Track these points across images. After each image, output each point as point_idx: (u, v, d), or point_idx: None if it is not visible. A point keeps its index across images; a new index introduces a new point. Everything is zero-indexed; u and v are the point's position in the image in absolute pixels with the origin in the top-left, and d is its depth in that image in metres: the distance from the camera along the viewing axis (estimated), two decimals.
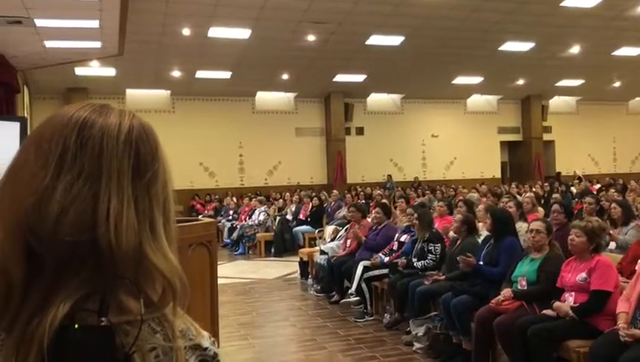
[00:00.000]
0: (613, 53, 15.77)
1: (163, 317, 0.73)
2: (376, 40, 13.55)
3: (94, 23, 9.49)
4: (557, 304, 4.04)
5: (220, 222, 13.35)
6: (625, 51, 15.63)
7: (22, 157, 0.73)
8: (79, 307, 0.67)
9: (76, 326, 0.65)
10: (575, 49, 15.29)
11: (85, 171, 0.70)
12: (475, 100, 20.83)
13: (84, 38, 10.50)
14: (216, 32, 12.30)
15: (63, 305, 0.66)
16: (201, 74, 15.48)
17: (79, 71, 14.25)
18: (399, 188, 15.60)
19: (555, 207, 5.99)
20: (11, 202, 0.69)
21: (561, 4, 12.00)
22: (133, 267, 0.70)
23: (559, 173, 20.80)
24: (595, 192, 9.87)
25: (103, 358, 0.65)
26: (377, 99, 19.79)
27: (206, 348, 0.77)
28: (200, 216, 11.90)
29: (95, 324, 0.66)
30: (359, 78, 17.03)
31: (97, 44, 10.95)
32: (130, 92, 17.05)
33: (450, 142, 20.36)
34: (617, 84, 19.57)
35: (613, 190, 9.20)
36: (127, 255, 0.69)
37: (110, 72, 14.54)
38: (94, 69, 14.18)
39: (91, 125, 0.73)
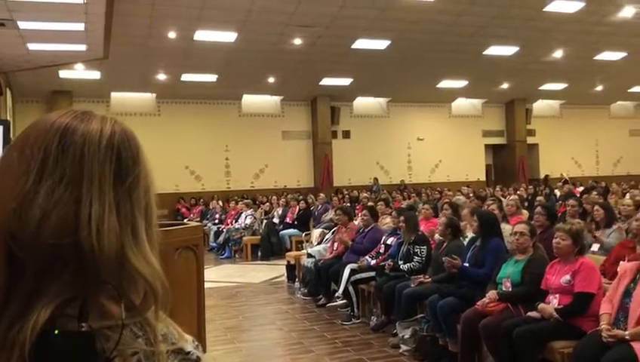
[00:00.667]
0: (595, 58, 15.98)
1: (145, 322, 0.73)
2: (362, 44, 13.61)
3: (79, 26, 9.44)
4: (541, 306, 4.09)
5: (206, 225, 13.30)
6: (606, 56, 15.85)
7: (5, 162, 0.73)
8: (60, 312, 0.66)
9: (56, 331, 0.65)
10: (558, 53, 15.47)
11: (67, 176, 0.70)
12: (460, 104, 20.99)
13: (68, 40, 10.44)
14: (202, 35, 12.27)
15: (45, 310, 0.66)
16: (186, 77, 15.42)
17: (64, 74, 14.13)
18: (385, 191, 15.66)
19: (538, 209, 6.06)
20: None
21: (544, 9, 12.14)
22: (115, 271, 0.70)
23: (547, 175, 20.98)
24: (578, 195, 9.99)
25: (85, 360, 0.65)
26: (363, 103, 19.86)
27: (188, 352, 0.77)
28: (186, 220, 11.86)
29: (75, 330, 0.66)
30: (345, 81, 17.08)
31: (82, 47, 10.88)
32: (115, 95, 16.94)
33: (435, 146, 20.49)
34: (599, 88, 19.83)
35: (595, 193, 9.32)
36: (109, 259, 0.69)
37: (95, 75, 14.44)
38: (79, 72, 14.07)
39: (73, 131, 0.73)
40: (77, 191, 0.70)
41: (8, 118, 12.67)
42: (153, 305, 0.73)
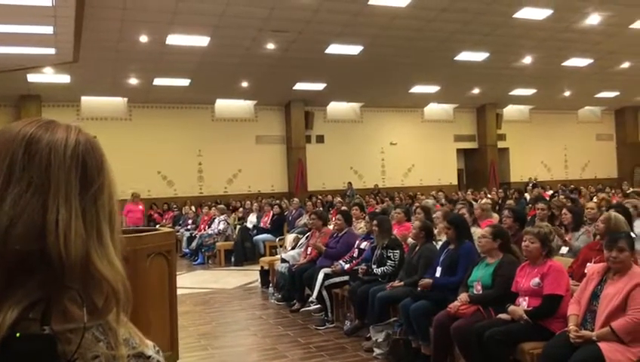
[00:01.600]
0: (563, 64, 16.34)
1: (107, 326, 0.74)
2: (335, 49, 13.68)
3: (48, 29, 9.29)
4: (511, 308, 4.15)
5: (178, 231, 13.18)
6: (574, 62, 16.21)
7: None
8: (23, 316, 0.67)
9: (17, 334, 0.66)
10: (527, 59, 15.77)
11: (34, 184, 0.72)
12: (432, 109, 21.22)
13: (37, 44, 10.27)
14: (174, 39, 12.18)
15: (10, 313, 0.67)
16: (159, 81, 15.28)
17: (32, 78, 13.87)
18: (359, 196, 15.73)
19: (505, 212, 6.17)
20: None
21: (513, 16, 12.37)
22: (79, 275, 0.71)
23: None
24: (547, 198, 10.17)
25: None
26: (337, 108, 19.94)
27: (149, 357, 0.78)
28: (158, 226, 11.73)
29: (37, 333, 0.67)
30: (319, 86, 17.14)
31: (51, 51, 10.71)
32: (86, 99, 16.68)
33: (408, 150, 20.67)
34: (567, 93, 20.27)
35: (563, 196, 9.51)
36: (75, 263, 0.71)
37: (65, 78, 14.20)
38: (48, 76, 13.83)
39: (38, 140, 0.75)
40: (43, 198, 0.72)
41: None
42: (115, 307, 0.75)
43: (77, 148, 0.77)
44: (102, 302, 0.74)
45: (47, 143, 0.75)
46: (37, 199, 0.71)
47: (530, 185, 17.83)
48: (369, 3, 11.09)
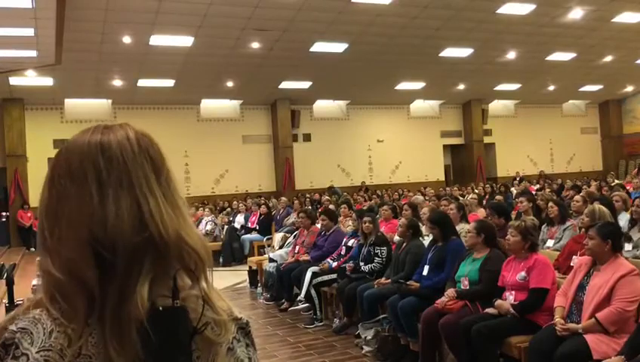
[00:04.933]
0: (547, 58, 16.46)
1: (206, 296, 0.87)
2: (320, 47, 13.67)
3: (29, 32, 9.19)
4: (498, 302, 4.17)
5: None
6: (557, 56, 16.34)
7: (58, 192, 0.84)
8: (157, 293, 0.81)
9: (160, 308, 0.80)
10: (511, 54, 15.87)
11: (121, 183, 0.83)
12: (418, 105, 21.28)
13: (18, 46, 10.16)
14: (157, 39, 12.10)
15: (142, 293, 0.79)
16: (143, 82, 15.16)
17: (14, 81, 13.71)
18: (345, 194, 15.72)
19: (488, 210, 6.20)
20: (73, 229, 0.81)
21: (496, 11, 12.44)
22: (178, 251, 0.83)
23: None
24: (534, 192, 10.23)
25: (185, 332, 0.81)
26: (323, 106, 19.93)
27: (240, 318, 0.93)
28: None
29: (172, 306, 0.81)
30: (305, 84, 17.11)
31: (33, 53, 10.60)
32: (70, 102, 16.51)
33: (395, 147, 20.70)
34: (552, 87, 20.42)
35: (549, 190, 9.56)
36: (173, 243, 0.83)
37: (47, 81, 14.04)
38: (30, 79, 13.67)
39: (109, 145, 0.85)
40: (133, 193, 0.83)
41: None
42: (203, 270, 0.87)
43: (140, 144, 0.87)
44: (194, 269, 0.86)
45: (117, 145, 0.85)
46: (128, 196, 0.82)
47: (517, 179, 17.94)
48: (352, 1, 11.10)
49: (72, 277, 0.80)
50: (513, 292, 4.19)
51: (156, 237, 0.81)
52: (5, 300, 3.62)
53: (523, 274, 4.17)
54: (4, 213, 15.41)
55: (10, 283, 3.67)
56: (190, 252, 0.85)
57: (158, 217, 0.83)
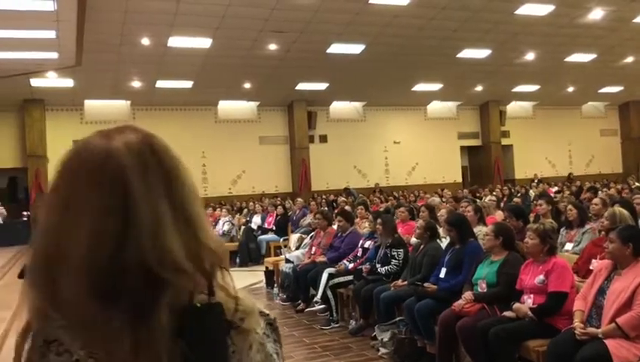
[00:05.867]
0: (566, 60, 16.29)
1: (235, 294, 0.88)
2: (337, 48, 13.67)
3: (51, 34, 9.33)
4: (516, 305, 4.14)
5: None
6: (577, 57, 16.16)
7: (64, 199, 0.81)
8: (195, 290, 0.82)
9: (198, 304, 0.81)
10: (530, 55, 15.73)
11: (121, 196, 0.79)
12: (435, 106, 21.19)
13: (40, 48, 10.31)
14: (176, 41, 12.21)
15: (180, 292, 0.80)
16: (161, 83, 15.31)
17: (35, 82, 13.92)
18: (361, 195, 15.70)
19: (506, 212, 6.15)
20: (68, 259, 0.78)
21: (515, 12, 12.35)
22: (196, 253, 0.83)
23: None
24: (552, 195, 10.15)
25: (222, 327, 0.83)
26: (340, 107, 19.94)
27: (267, 314, 0.93)
28: None
29: (209, 301, 0.82)
30: (321, 86, 17.13)
31: (54, 55, 10.75)
32: (89, 103, 16.73)
33: (411, 148, 20.64)
34: (571, 89, 20.20)
35: (568, 193, 9.46)
36: (192, 246, 0.83)
37: (68, 82, 14.24)
38: (51, 80, 13.87)
39: (112, 152, 0.82)
40: (151, 203, 0.81)
41: None
42: (219, 268, 0.87)
43: (154, 150, 0.85)
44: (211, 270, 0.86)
45: (129, 152, 0.82)
46: (146, 206, 0.80)
47: (535, 181, 17.78)
48: (370, 2, 11.10)
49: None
50: (531, 295, 4.16)
51: (158, 253, 0.79)
52: None
53: (541, 277, 4.13)
54: (25, 213, 15.64)
55: None
56: (209, 252, 0.86)
57: (174, 225, 0.82)
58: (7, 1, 7.90)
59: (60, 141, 16.23)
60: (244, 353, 0.86)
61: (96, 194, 0.79)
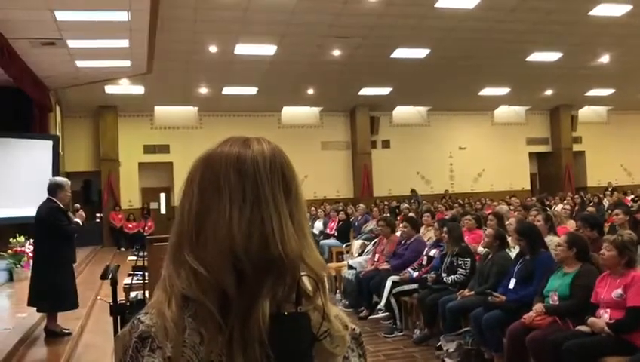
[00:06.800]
0: None
1: (325, 310, 0.89)
2: (401, 53, 13.56)
3: (124, 43, 9.70)
4: (592, 320, 3.95)
5: None
6: None
7: (199, 202, 0.89)
8: (283, 299, 0.85)
9: (285, 313, 0.84)
10: (604, 58, 15.06)
11: (250, 201, 0.86)
12: (503, 111, 20.64)
13: (114, 57, 10.74)
14: (242, 48, 12.46)
15: (267, 300, 0.84)
16: (227, 90, 15.67)
17: (109, 89, 14.56)
18: (425, 202, 15.46)
19: (579, 222, 5.89)
20: (217, 240, 0.86)
21: (588, 13, 11.86)
22: (297, 269, 0.87)
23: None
24: (628, 204, 9.64)
25: (307, 336, 0.84)
26: (403, 112, 19.75)
27: (354, 328, 0.96)
28: None
29: (296, 311, 0.85)
30: (385, 91, 17.03)
31: (127, 63, 11.18)
32: (159, 109, 17.34)
33: (477, 154, 20.17)
34: None
35: None
36: (293, 262, 0.86)
37: (139, 89, 14.82)
38: (124, 87, 14.47)
39: (243, 159, 0.89)
40: (261, 211, 0.86)
41: (57, 133, 13.12)
42: (321, 291, 0.90)
43: (275, 161, 0.90)
44: (313, 288, 0.89)
45: (251, 161, 0.88)
46: (258, 214, 0.86)
47: (609, 189, 16.98)
48: (436, 6, 10.94)
49: (211, 282, 0.85)
50: (608, 309, 3.96)
51: (275, 254, 0.85)
52: (110, 300, 3.82)
53: (619, 291, 3.93)
54: (98, 215, 16.32)
55: (114, 284, 3.87)
56: (308, 271, 0.88)
57: (278, 237, 0.85)
58: (85, 13, 8.28)
59: (131, 145, 16.92)
60: None
61: (240, 188, 0.86)
